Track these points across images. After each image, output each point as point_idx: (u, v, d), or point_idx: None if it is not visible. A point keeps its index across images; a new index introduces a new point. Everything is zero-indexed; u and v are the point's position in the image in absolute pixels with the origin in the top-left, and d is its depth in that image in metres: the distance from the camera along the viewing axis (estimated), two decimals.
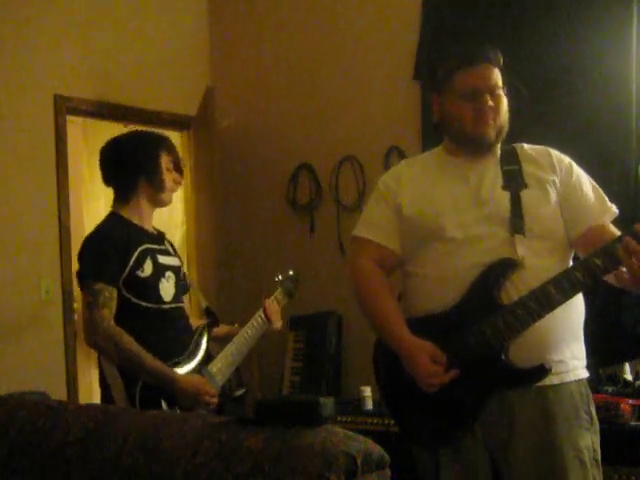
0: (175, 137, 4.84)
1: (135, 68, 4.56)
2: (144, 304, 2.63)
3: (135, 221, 2.73)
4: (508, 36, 3.66)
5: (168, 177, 2.77)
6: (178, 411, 2.54)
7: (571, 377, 2.12)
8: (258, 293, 3.09)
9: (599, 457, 2.14)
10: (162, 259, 2.72)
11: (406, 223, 2.22)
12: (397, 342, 2.15)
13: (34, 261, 4.06)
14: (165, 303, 2.68)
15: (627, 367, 3.36)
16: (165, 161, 2.77)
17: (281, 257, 4.60)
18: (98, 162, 2.83)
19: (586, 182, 2.19)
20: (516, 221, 2.09)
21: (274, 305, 2.97)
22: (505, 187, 2.14)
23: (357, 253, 2.33)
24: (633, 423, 3.04)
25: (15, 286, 3.99)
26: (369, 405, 3.81)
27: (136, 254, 2.63)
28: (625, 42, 3.44)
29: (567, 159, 2.21)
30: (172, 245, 2.90)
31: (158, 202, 2.80)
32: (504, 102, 2.18)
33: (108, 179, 2.82)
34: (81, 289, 2.70)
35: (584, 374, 2.17)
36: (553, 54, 3.63)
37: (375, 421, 3.61)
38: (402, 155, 4.05)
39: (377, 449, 1.68)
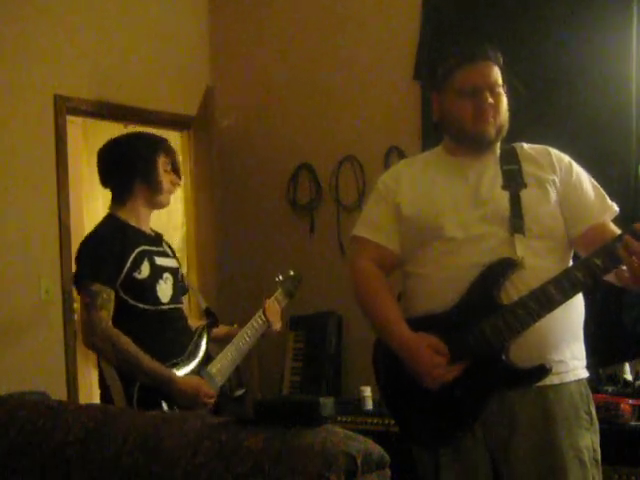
0: (175, 137, 4.85)
1: (135, 68, 4.56)
2: (141, 306, 2.63)
3: (132, 223, 2.73)
4: (508, 36, 3.66)
5: (165, 179, 2.76)
6: (177, 411, 2.54)
7: (571, 377, 2.12)
8: (258, 293, 3.09)
9: (599, 457, 2.14)
10: (159, 261, 2.71)
11: (406, 223, 2.22)
12: (397, 340, 2.14)
13: (34, 261, 4.06)
14: (163, 304, 2.67)
15: (627, 367, 3.36)
16: (162, 163, 2.76)
17: (281, 257, 4.60)
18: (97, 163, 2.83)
19: (586, 181, 2.19)
20: (516, 221, 2.09)
21: (274, 306, 2.97)
22: (505, 187, 2.14)
23: (356, 253, 2.33)
24: (633, 423, 3.04)
25: (15, 286, 3.98)
26: (369, 405, 3.81)
27: (133, 256, 2.62)
28: (625, 42, 3.44)
29: (567, 158, 2.21)
30: (170, 247, 2.90)
31: (155, 204, 2.79)
32: (504, 100, 2.18)
33: (105, 181, 2.81)
34: (78, 291, 2.70)
35: (584, 374, 2.17)
36: (553, 54, 3.64)
37: (375, 421, 3.61)
38: (402, 155, 4.05)
39: (377, 449, 1.68)
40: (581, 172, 2.21)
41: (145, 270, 2.64)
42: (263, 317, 2.91)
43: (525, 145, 2.25)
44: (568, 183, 2.16)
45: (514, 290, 2.06)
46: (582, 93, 3.54)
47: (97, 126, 5.08)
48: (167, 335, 2.67)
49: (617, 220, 2.18)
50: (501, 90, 2.18)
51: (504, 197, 2.12)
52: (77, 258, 2.71)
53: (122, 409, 2.38)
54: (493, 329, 2.03)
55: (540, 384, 2.06)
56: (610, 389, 3.24)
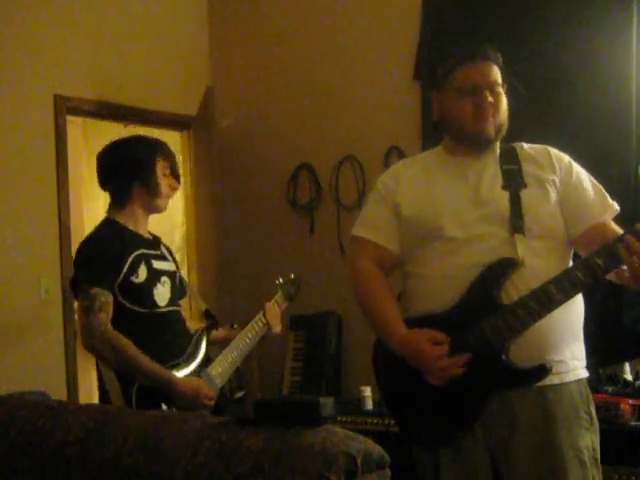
0: (175, 137, 4.85)
1: (135, 68, 4.56)
2: (139, 309, 2.62)
3: (130, 227, 2.72)
4: (508, 36, 3.66)
5: (164, 183, 2.75)
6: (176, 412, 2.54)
7: (571, 377, 2.12)
8: (258, 294, 3.09)
9: (599, 457, 2.14)
10: (157, 264, 2.71)
11: (405, 223, 2.22)
12: (396, 340, 2.14)
13: (34, 261, 4.06)
14: (160, 308, 2.67)
15: (627, 367, 3.36)
16: (161, 167, 2.74)
17: (281, 257, 4.61)
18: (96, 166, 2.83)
19: (586, 180, 2.19)
20: (516, 221, 2.09)
21: (274, 308, 2.97)
22: (504, 187, 2.14)
23: (356, 253, 2.33)
24: (633, 423, 3.04)
25: (15, 286, 3.98)
26: (369, 405, 3.81)
27: (130, 260, 2.62)
28: (625, 42, 3.44)
29: (567, 158, 2.21)
30: (169, 250, 2.89)
31: (153, 208, 2.78)
32: (503, 100, 2.18)
33: (104, 184, 2.81)
34: (76, 295, 2.69)
35: (584, 374, 2.17)
36: (553, 54, 3.64)
37: (375, 421, 3.61)
38: (402, 155, 4.05)
39: (377, 449, 1.67)
40: (581, 171, 2.21)
41: (142, 274, 2.63)
42: (263, 320, 2.91)
43: (525, 145, 2.25)
44: (568, 183, 2.16)
45: (514, 290, 2.06)
46: (582, 93, 3.54)
47: (97, 126, 5.08)
48: (166, 337, 2.67)
49: (617, 220, 2.18)
50: (501, 89, 2.18)
51: (504, 197, 2.13)
52: (75, 262, 2.71)
53: (122, 409, 2.38)
54: (493, 329, 2.03)
55: (540, 384, 2.06)
56: (610, 389, 3.24)
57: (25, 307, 4.03)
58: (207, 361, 2.74)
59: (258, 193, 4.77)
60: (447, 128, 2.25)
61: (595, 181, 2.21)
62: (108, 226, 2.72)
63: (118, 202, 2.75)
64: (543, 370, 2.03)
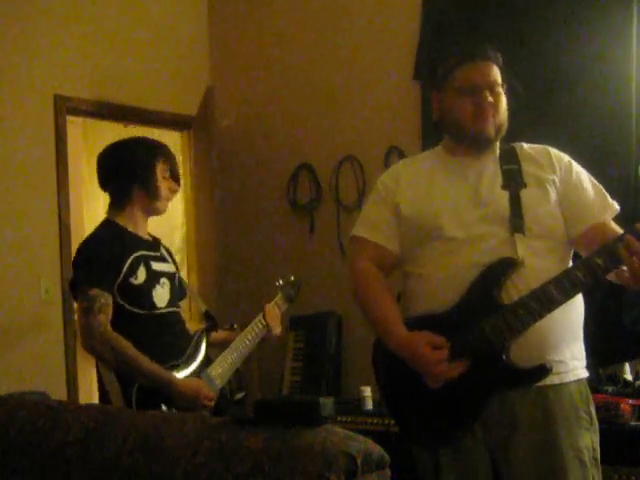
0: (175, 137, 4.86)
1: (135, 68, 4.56)
2: (138, 311, 2.62)
3: (130, 228, 2.72)
4: (508, 36, 3.66)
5: (164, 185, 2.75)
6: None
7: (571, 377, 2.12)
8: (258, 294, 3.10)
9: (598, 457, 2.14)
10: (156, 266, 2.71)
11: (405, 223, 2.22)
12: (396, 341, 2.14)
13: (34, 261, 4.06)
14: (159, 309, 2.67)
15: (627, 367, 3.36)
16: (161, 169, 2.74)
17: (281, 257, 4.61)
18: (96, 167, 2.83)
19: (586, 180, 2.19)
20: (516, 220, 2.09)
21: (274, 310, 2.97)
22: (504, 186, 2.14)
23: (355, 253, 2.33)
24: (633, 423, 3.04)
25: (15, 286, 3.99)
26: (369, 405, 3.81)
27: (129, 261, 2.62)
28: (625, 42, 3.44)
29: (566, 157, 2.21)
30: (168, 251, 2.89)
31: (153, 210, 2.78)
32: (503, 100, 2.18)
33: (104, 185, 2.81)
34: (75, 296, 2.69)
35: (584, 374, 2.17)
36: (553, 54, 3.63)
37: (375, 421, 3.61)
38: (402, 155, 4.05)
39: (377, 449, 1.67)
40: (581, 171, 2.20)
41: (141, 275, 2.63)
42: (263, 321, 2.91)
43: (525, 145, 2.25)
44: (568, 182, 2.16)
45: (514, 290, 2.06)
46: (582, 93, 3.54)
47: (97, 126, 5.08)
48: (165, 338, 2.67)
49: (617, 220, 2.18)
50: (500, 89, 2.18)
51: (504, 197, 2.12)
52: (74, 263, 2.71)
53: (122, 409, 2.38)
54: (493, 329, 2.03)
55: (540, 384, 2.06)
56: (610, 389, 3.24)
57: (25, 307, 4.03)
58: (207, 362, 2.74)
59: (258, 193, 4.77)
60: (447, 128, 2.25)
61: (595, 181, 2.21)
62: (108, 227, 2.72)
63: (118, 203, 2.75)
64: (543, 370, 2.03)
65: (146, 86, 4.61)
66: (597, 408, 2.21)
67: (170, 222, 5.02)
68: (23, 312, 4.02)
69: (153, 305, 2.65)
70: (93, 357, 2.67)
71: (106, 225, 2.74)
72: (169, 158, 2.80)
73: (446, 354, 2.05)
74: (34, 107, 4.10)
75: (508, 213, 2.10)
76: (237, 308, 4.38)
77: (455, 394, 2.08)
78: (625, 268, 1.96)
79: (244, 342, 2.85)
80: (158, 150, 2.78)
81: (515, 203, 2.11)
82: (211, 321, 2.89)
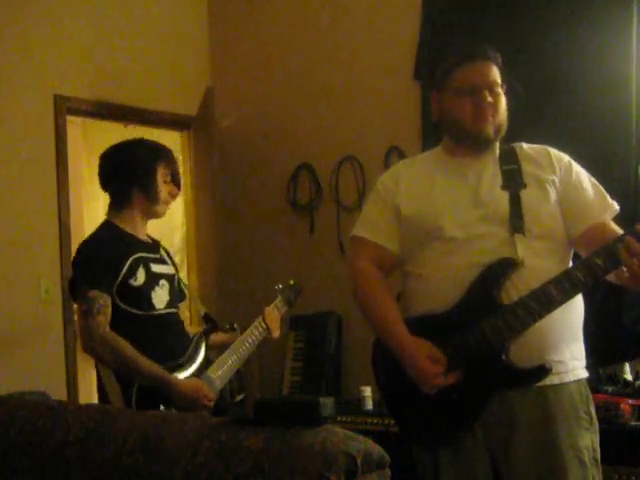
0: (175, 137, 4.86)
1: (135, 68, 4.56)
2: (137, 312, 2.63)
3: (129, 230, 2.72)
4: (508, 36, 3.66)
5: (164, 189, 2.75)
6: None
7: (571, 377, 2.12)
8: (258, 294, 3.09)
9: (599, 457, 2.14)
10: (155, 267, 2.71)
11: (405, 223, 2.22)
12: (396, 342, 2.14)
13: (34, 261, 4.06)
14: (158, 310, 2.67)
15: (627, 367, 3.36)
16: (162, 173, 2.74)
17: (281, 257, 4.61)
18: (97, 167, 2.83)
19: (586, 180, 2.19)
20: (516, 221, 2.09)
21: (274, 313, 2.97)
22: (504, 187, 2.14)
23: (355, 253, 2.33)
24: (633, 423, 3.04)
25: (15, 286, 3.99)
26: (369, 405, 3.81)
27: (129, 263, 2.62)
28: (625, 42, 3.44)
29: (566, 158, 2.21)
30: (168, 253, 2.89)
31: (152, 213, 2.78)
32: (503, 100, 2.18)
33: (105, 186, 2.81)
34: (75, 298, 2.69)
35: (583, 374, 2.17)
36: (553, 54, 3.63)
37: (375, 421, 3.61)
38: (402, 155, 4.05)
39: (377, 449, 1.67)
40: (581, 171, 2.20)
41: (141, 277, 2.63)
42: (263, 324, 2.91)
43: (524, 145, 2.25)
44: (568, 183, 2.16)
45: (514, 290, 2.06)
46: (582, 93, 3.54)
47: (97, 126, 5.08)
48: (164, 339, 2.67)
49: (617, 220, 2.18)
50: (500, 90, 2.18)
51: (504, 197, 2.12)
52: (74, 265, 2.71)
53: (122, 409, 2.38)
54: (493, 329, 2.03)
55: (540, 384, 2.06)
56: (610, 389, 3.24)
57: (25, 307, 4.03)
58: (207, 364, 2.74)
59: (258, 193, 4.77)
60: (447, 128, 2.25)
61: (595, 181, 2.21)
62: (107, 229, 2.72)
63: (117, 205, 2.76)
64: (543, 370, 2.03)
65: (146, 86, 4.61)
66: (597, 408, 2.22)
67: (170, 222, 5.02)
68: (23, 312, 4.02)
69: (152, 306, 2.65)
70: (93, 359, 2.67)
71: (106, 227, 2.74)
72: (171, 162, 2.79)
73: (442, 370, 2.06)
74: (34, 107, 4.11)
75: (508, 213, 2.10)
76: (237, 308, 4.38)
77: (455, 394, 2.08)
78: (625, 269, 1.96)
79: (244, 344, 2.85)
80: (160, 153, 2.77)
81: (515, 203, 2.11)
82: (211, 323, 2.89)
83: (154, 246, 2.80)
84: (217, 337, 2.89)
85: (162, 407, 2.54)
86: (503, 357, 2.05)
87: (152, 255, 2.74)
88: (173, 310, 2.74)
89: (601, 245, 1.99)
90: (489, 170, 2.19)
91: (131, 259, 2.63)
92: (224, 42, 4.93)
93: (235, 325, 2.98)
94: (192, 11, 4.90)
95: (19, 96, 4.05)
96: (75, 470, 1.90)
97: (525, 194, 2.12)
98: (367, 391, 3.80)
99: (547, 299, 1.99)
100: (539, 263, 2.08)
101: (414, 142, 4.03)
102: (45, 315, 4.10)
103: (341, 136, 4.44)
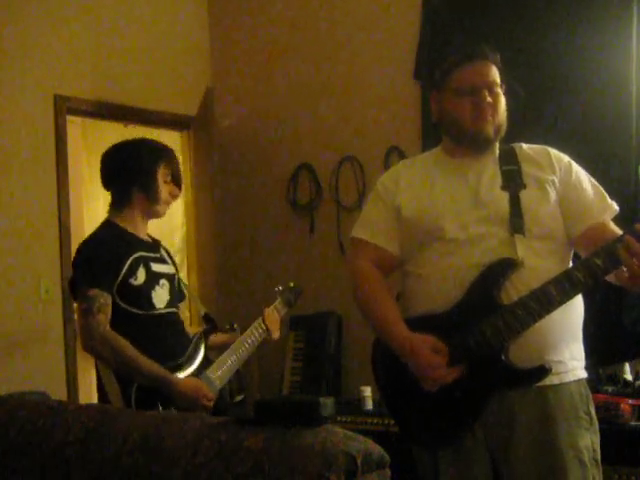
0: (175, 137, 4.86)
1: (135, 68, 4.56)
2: (137, 311, 2.63)
3: (130, 229, 2.72)
4: (508, 36, 3.66)
5: (164, 189, 2.74)
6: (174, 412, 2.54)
7: (570, 377, 2.12)
8: (258, 294, 3.09)
9: (599, 457, 2.14)
10: (156, 267, 2.71)
11: (405, 224, 2.22)
12: (396, 341, 2.14)
13: (34, 261, 4.06)
14: (158, 310, 2.67)
15: (627, 367, 3.36)
16: (162, 173, 2.74)
17: (281, 257, 4.61)
18: (99, 165, 2.83)
19: (585, 180, 2.19)
20: (515, 221, 2.09)
21: (274, 314, 2.97)
22: (504, 187, 2.14)
23: (355, 254, 2.33)
24: (633, 423, 3.04)
25: (15, 286, 3.99)
26: (369, 405, 3.81)
27: (129, 262, 2.62)
28: (625, 42, 3.44)
29: (566, 158, 2.21)
30: (168, 253, 2.89)
31: (152, 213, 2.78)
32: (502, 100, 2.18)
33: (106, 185, 2.81)
34: (75, 297, 2.69)
35: (583, 374, 2.17)
36: (553, 54, 3.64)
37: (375, 421, 3.61)
38: (402, 155, 4.06)
39: (377, 449, 1.67)
40: (580, 171, 2.20)
41: (141, 276, 2.63)
42: (263, 325, 2.91)
43: (524, 145, 2.25)
44: (567, 183, 2.16)
45: (514, 290, 2.06)
46: (582, 93, 3.55)
47: (97, 126, 5.09)
48: (165, 338, 2.67)
49: (617, 220, 2.18)
50: (499, 90, 2.18)
51: (504, 198, 2.12)
52: (74, 263, 2.71)
53: (122, 409, 2.38)
54: (493, 329, 2.03)
55: (540, 384, 2.06)
56: (610, 389, 3.24)
57: (25, 307, 4.03)
58: (206, 364, 2.74)
59: (258, 193, 4.77)
60: (446, 129, 2.25)
61: (594, 181, 2.21)
62: (108, 228, 2.72)
63: (118, 204, 2.76)
64: (543, 370, 2.03)
65: (146, 86, 4.61)
66: (597, 408, 2.22)
67: (170, 222, 5.02)
68: (23, 312, 4.02)
69: (152, 306, 2.65)
70: (93, 357, 2.67)
71: (106, 226, 2.74)
72: (171, 162, 2.79)
73: (444, 361, 2.05)
74: (34, 107, 4.11)
75: (508, 214, 2.10)
76: (237, 308, 4.39)
77: (455, 394, 2.08)
78: (625, 269, 1.96)
79: (243, 345, 2.85)
80: (161, 153, 2.77)
81: (515, 204, 2.11)
82: (211, 324, 2.89)
83: (154, 245, 2.80)
84: (217, 337, 2.89)
85: (161, 407, 2.54)
86: (503, 357, 2.04)
87: (152, 254, 2.74)
88: (173, 310, 2.74)
89: (601, 245, 1.99)
90: (489, 170, 2.19)
91: (131, 258, 2.63)
92: (224, 42, 4.93)
93: (235, 325, 2.98)
94: (192, 11, 4.91)
95: (19, 96, 4.05)
96: (75, 470, 1.90)
97: (525, 194, 2.12)
98: (367, 391, 3.80)
99: (547, 299, 1.99)
100: (539, 263, 2.08)
101: (414, 142, 4.04)
102: (45, 315, 4.10)
103: (341, 136, 4.44)
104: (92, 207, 5.25)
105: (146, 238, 2.78)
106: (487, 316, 2.04)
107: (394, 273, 2.32)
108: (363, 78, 4.36)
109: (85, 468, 1.89)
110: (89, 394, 4.56)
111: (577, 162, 2.22)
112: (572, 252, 2.21)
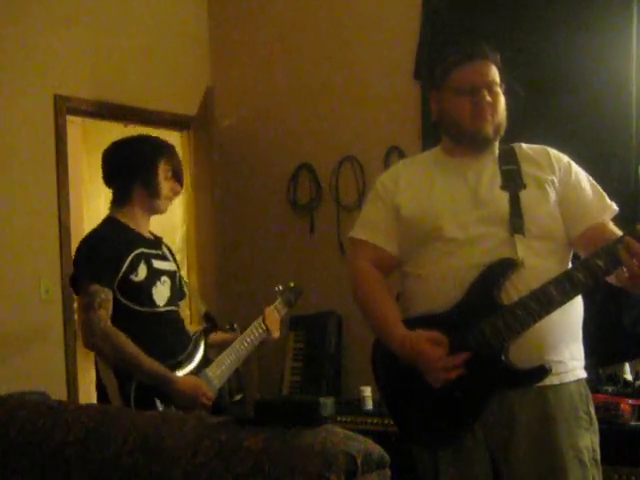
0: (175, 137, 4.85)
1: (135, 68, 4.56)
2: (138, 308, 2.63)
3: (131, 226, 2.72)
4: (508, 36, 3.66)
5: (165, 185, 2.75)
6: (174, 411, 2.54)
7: (570, 377, 2.12)
8: (258, 294, 3.09)
9: (598, 457, 2.14)
10: (157, 264, 2.71)
11: (405, 224, 2.22)
12: (396, 341, 2.14)
13: (34, 261, 4.06)
14: (158, 307, 2.67)
15: (627, 367, 3.36)
16: (163, 169, 2.74)
17: (281, 257, 4.61)
18: (100, 162, 2.83)
19: (585, 180, 2.19)
20: (515, 221, 2.09)
21: (274, 314, 2.98)
22: (504, 187, 2.14)
23: (355, 254, 2.33)
24: (633, 423, 3.04)
25: (15, 286, 3.99)
26: (369, 405, 3.81)
27: (130, 258, 2.62)
28: (625, 42, 3.44)
29: (565, 158, 2.21)
30: (170, 250, 2.90)
31: (153, 209, 2.78)
32: (502, 100, 2.18)
33: (107, 182, 2.82)
34: (76, 292, 2.70)
35: (583, 374, 2.17)
36: (553, 54, 3.64)
37: (375, 421, 3.61)
38: (402, 155, 4.06)
39: (377, 449, 1.67)
40: (580, 172, 2.20)
41: (142, 273, 2.64)
42: (263, 325, 2.91)
43: (524, 145, 2.25)
44: (567, 183, 2.16)
45: (514, 290, 2.06)
46: (582, 93, 3.55)
47: (97, 126, 5.08)
48: (165, 336, 2.67)
49: (617, 220, 2.17)
50: (499, 89, 2.18)
51: (503, 198, 2.12)
52: (75, 259, 2.72)
53: (122, 409, 2.38)
54: (493, 329, 2.03)
55: (540, 384, 2.06)
56: (610, 389, 3.24)
57: (25, 307, 4.03)
58: (205, 363, 2.75)
59: (258, 193, 4.77)
60: (446, 128, 2.25)
61: (594, 181, 2.21)
62: (109, 224, 2.73)
63: (119, 201, 2.76)
64: (543, 371, 2.03)
65: (146, 86, 4.61)
66: (597, 408, 2.22)
67: (170, 221, 5.01)
68: (23, 312, 4.02)
69: (153, 303, 2.65)
70: (93, 352, 2.67)
71: (108, 222, 2.75)
72: (172, 158, 2.79)
73: (446, 350, 2.05)
74: (34, 107, 4.11)
75: (507, 214, 2.10)
76: (237, 308, 4.39)
77: (455, 394, 2.08)
78: (625, 269, 1.96)
79: (243, 344, 2.86)
80: (162, 150, 2.78)
81: (514, 204, 2.11)
82: (211, 322, 2.90)
83: (156, 242, 2.80)
84: (217, 336, 2.89)
85: (158, 404, 2.54)
86: (503, 357, 2.04)
87: (154, 251, 2.74)
88: (173, 308, 2.75)
89: (601, 246, 1.99)
90: (488, 170, 2.18)
91: (132, 254, 2.64)
92: (224, 42, 4.93)
93: (235, 325, 2.98)
94: (192, 11, 4.91)
95: (19, 96, 4.05)
96: (75, 470, 1.90)
97: (524, 194, 2.12)
98: (367, 391, 3.80)
99: (547, 300, 1.99)
100: (539, 263, 2.08)
101: (414, 142, 4.04)
102: (45, 315, 4.10)
103: (341, 136, 4.44)
104: (92, 207, 5.25)
105: (148, 235, 2.79)
106: (487, 316, 2.04)
107: (394, 273, 2.32)
108: (363, 78, 4.36)
109: (85, 468, 1.89)
110: (89, 394, 4.56)
111: (577, 162, 2.22)
112: (572, 252, 2.21)
